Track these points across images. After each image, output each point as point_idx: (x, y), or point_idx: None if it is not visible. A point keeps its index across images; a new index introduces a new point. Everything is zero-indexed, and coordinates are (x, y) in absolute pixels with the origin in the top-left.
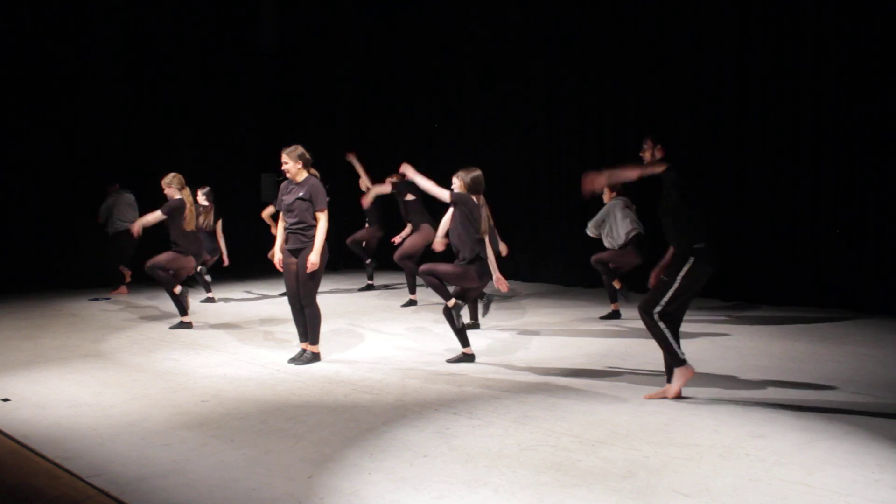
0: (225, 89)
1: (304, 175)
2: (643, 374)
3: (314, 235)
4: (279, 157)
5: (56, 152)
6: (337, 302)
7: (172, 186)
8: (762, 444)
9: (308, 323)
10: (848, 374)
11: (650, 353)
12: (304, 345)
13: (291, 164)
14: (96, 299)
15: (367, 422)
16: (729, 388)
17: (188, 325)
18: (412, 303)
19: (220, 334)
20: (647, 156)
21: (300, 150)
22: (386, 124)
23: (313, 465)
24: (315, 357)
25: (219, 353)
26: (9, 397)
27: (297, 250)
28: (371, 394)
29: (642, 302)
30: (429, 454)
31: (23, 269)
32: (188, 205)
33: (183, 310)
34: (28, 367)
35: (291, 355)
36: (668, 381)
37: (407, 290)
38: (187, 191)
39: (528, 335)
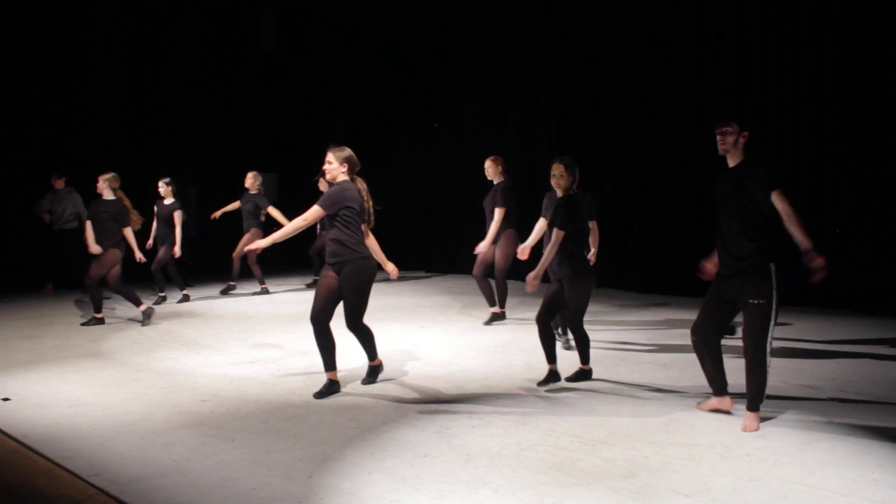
0: (225, 89)
1: (342, 179)
2: (643, 375)
3: (352, 248)
4: (279, 157)
5: (56, 152)
6: None
7: (108, 184)
8: (762, 444)
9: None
10: (848, 374)
11: (650, 354)
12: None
13: (336, 164)
14: None
15: (367, 421)
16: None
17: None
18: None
19: (220, 334)
20: (728, 142)
21: (349, 152)
22: (385, 124)
23: (313, 465)
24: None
25: (219, 353)
26: (9, 397)
27: (335, 264)
28: (371, 394)
29: (760, 339)
30: (429, 454)
31: (23, 269)
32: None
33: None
34: (28, 367)
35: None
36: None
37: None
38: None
39: (529, 335)
